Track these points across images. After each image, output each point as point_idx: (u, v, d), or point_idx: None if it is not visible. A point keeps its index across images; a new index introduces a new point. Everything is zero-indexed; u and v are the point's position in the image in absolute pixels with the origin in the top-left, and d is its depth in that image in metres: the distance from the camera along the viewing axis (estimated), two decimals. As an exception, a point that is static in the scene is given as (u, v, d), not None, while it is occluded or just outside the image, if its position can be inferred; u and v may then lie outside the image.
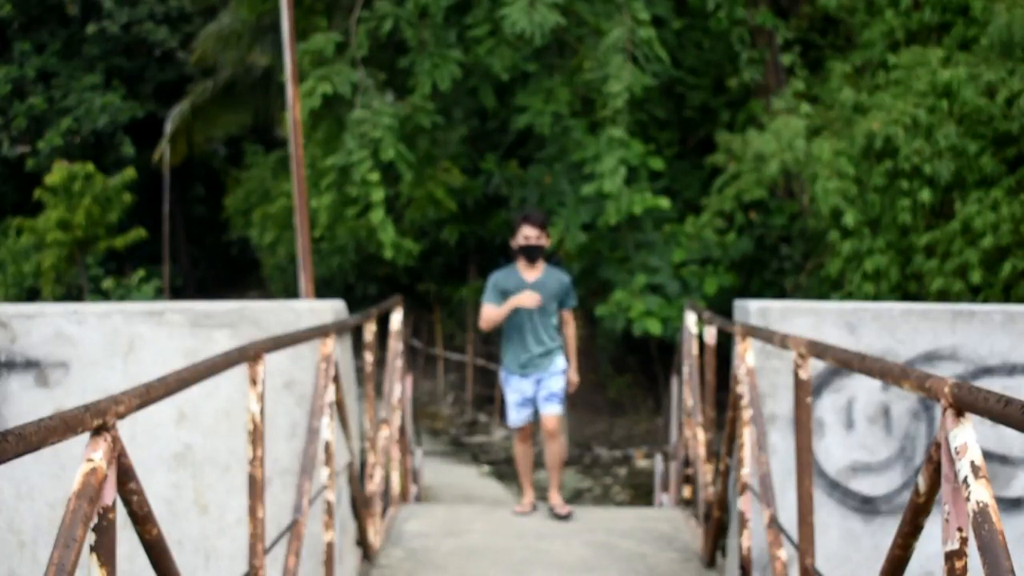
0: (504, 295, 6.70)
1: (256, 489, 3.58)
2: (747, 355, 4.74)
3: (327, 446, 4.74)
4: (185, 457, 5.02)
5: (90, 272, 20.17)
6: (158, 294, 20.53)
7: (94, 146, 23.13)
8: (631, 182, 12.97)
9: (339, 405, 5.08)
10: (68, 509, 2.01)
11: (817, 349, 3.46)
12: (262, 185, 20.80)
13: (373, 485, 6.09)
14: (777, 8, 14.27)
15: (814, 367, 4.73)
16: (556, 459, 6.81)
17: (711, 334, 6.25)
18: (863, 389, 5.02)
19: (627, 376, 16.69)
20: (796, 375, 3.73)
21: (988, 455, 4.83)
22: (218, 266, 27.17)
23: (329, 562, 4.81)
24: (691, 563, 5.83)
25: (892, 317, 5.07)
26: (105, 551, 2.23)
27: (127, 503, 2.40)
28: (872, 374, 2.85)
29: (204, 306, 5.14)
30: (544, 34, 11.98)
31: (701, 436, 6.42)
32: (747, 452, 4.73)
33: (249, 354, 3.48)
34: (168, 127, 20.47)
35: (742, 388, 4.72)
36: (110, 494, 2.23)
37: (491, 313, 6.72)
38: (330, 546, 4.81)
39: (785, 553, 4.21)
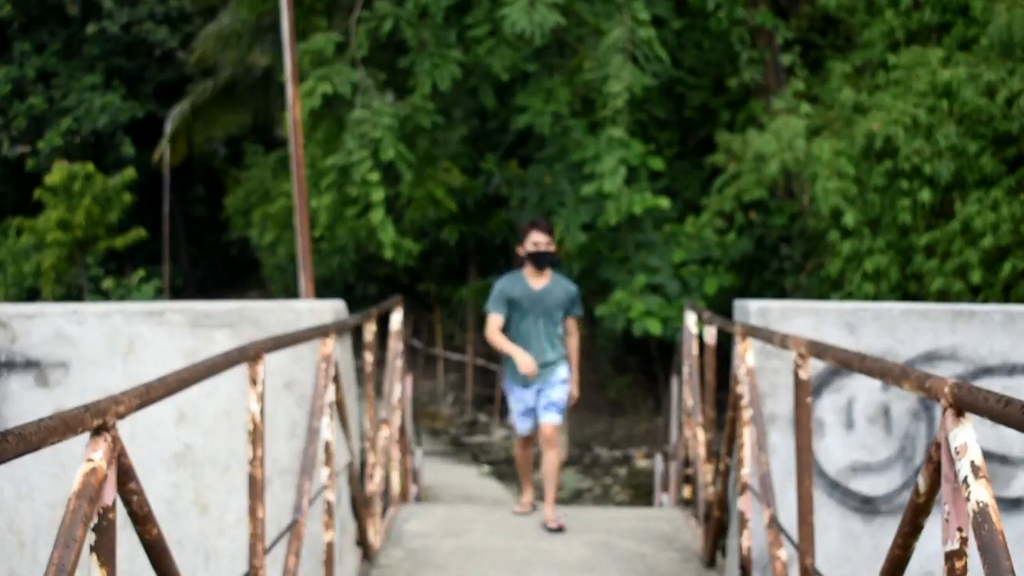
0: (510, 304, 6.54)
1: (256, 489, 3.58)
2: (747, 355, 4.74)
3: (327, 446, 4.74)
4: (185, 457, 5.02)
5: (90, 272, 20.18)
6: (158, 294, 20.53)
7: (94, 146, 23.14)
8: (631, 182, 12.97)
9: (339, 405, 5.08)
10: (68, 509, 2.01)
11: (817, 349, 3.46)
12: (262, 185, 20.81)
13: (373, 485, 6.09)
14: (777, 8, 14.27)
15: (814, 367, 4.73)
16: (553, 470, 6.63)
17: (711, 334, 6.25)
18: (863, 389, 5.02)
19: (627, 376, 16.70)
20: (796, 375, 3.73)
21: (988, 455, 4.83)
22: (218, 266, 27.17)
23: (329, 562, 4.80)
24: (691, 563, 5.83)
25: (892, 317, 5.07)
26: (105, 551, 2.23)
27: (127, 503, 2.40)
28: (872, 374, 2.85)
29: (204, 306, 5.13)
30: (544, 34, 11.99)
31: (701, 436, 6.42)
32: (747, 452, 4.73)
33: (249, 354, 3.48)
34: (168, 127, 20.47)
35: (742, 388, 4.72)
36: (110, 494, 2.23)
37: (495, 338, 6.61)
38: (330, 546, 4.81)
39: (785, 553, 4.21)
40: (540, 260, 6.55)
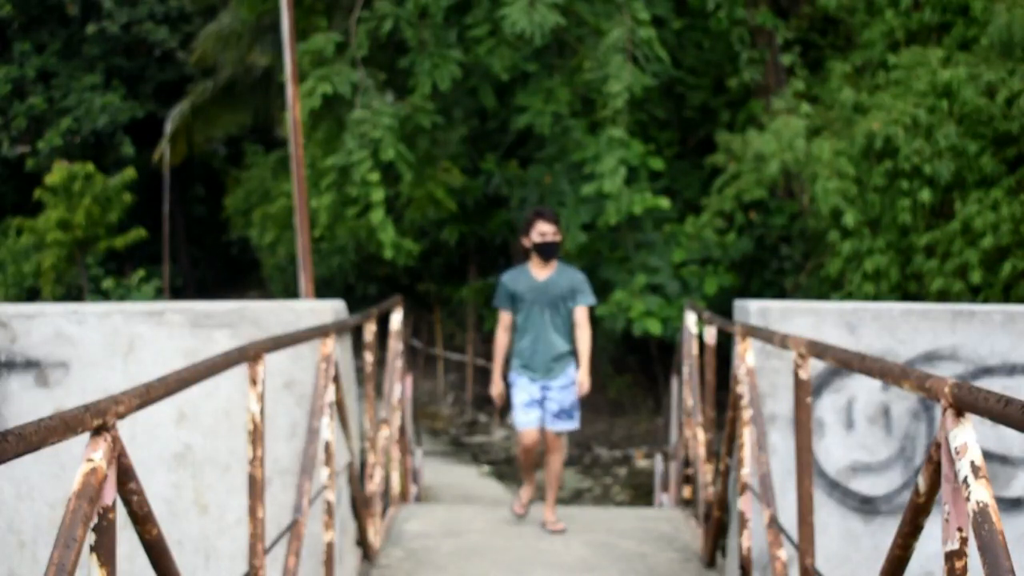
0: (515, 298, 6.41)
1: (256, 489, 3.58)
2: (747, 355, 4.74)
3: (327, 446, 4.74)
4: (185, 457, 5.02)
5: (90, 272, 20.18)
6: (158, 294, 20.53)
7: (94, 146, 23.14)
8: (631, 182, 12.97)
9: (339, 405, 5.08)
10: (68, 509, 2.01)
11: (817, 349, 3.46)
12: (262, 185, 20.80)
13: (373, 485, 6.09)
14: (777, 8, 14.27)
15: (814, 367, 4.73)
16: (555, 473, 6.54)
17: (711, 334, 6.25)
18: (863, 389, 5.02)
19: (627, 376, 16.70)
20: (796, 375, 3.73)
21: (988, 455, 4.83)
22: (218, 266, 27.17)
23: (329, 562, 4.81)
24: (691, 563, 5.83)
25: (892, 317, 5.07)
26: (105, 551, 2.23)
27: (127, 503, 2.40)
28: (872, 374, 2.85)
29: (204, 306, 5.13)
30: (544, 34, 11.99)
31: (701, 436, 6.42)
32: (747, 452, 4.73)
33: (249, 354, 3.48)
34: (168, 127, 20.47)
35: (742, 388, 4.72)
36: (110, 494, 2.23)
37: (496, 340, 6.57)
38: (330, 546, 4.81)
39: (785, 553, 4.21)
40: (547, 251, 6.35)
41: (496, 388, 6.66)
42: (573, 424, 6.48)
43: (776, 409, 5.00)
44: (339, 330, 5.02)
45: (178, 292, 24.21)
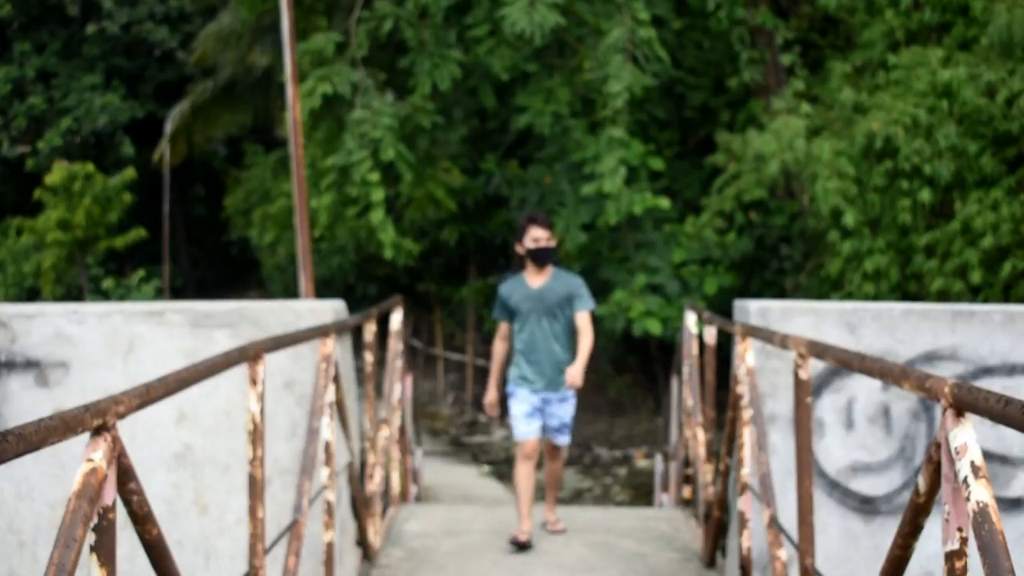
0: (511, 309, 6.19)
1: (256, 489, 3.58)
2: (747, 355, 4.74)
3: (327, 446, 4.74)
4: (185, 457, 5.02)
5: (90, 272, 20.18)
6: (158, 294, 20.53)
7: (94, 146, 23.14)
8: (631, 182, 12.97)
9: (339, 405, 5.08)
10: (68, 509, 2.01)
11: (817, 349, 3.46)
12: (262, 185, 20.81)
13: (373, 485, 6.09)
14: (777, 8, 14.27)
15: (814, 367, 4.73)
16: (555, 477, 6.48)
17: (711, 334, 6.25)
18: (863, 389, 5.02)
19: (627, 376, 16.70)
20: (796, 375, 3.73)
21: (988, 455, 4.83)
22: (218, 266, 27.17)
23: (329, 562, 4.81)
24: (691, 563, 5.83)
25: (892, 317, 5.07)
26: (105, 551, 2.23)
27: (127, 503, 2.40)
28: (872, 374, 2.85)
29: (204, 306, 5.13)
30: (544, 34, 11.99)
31: (701, 436, 6.42)
32: (747, 452, 4.73)
33: (249, 354, 3.48)
34: (168, 127, 20.48)
35: (742, 388, 4.72)
36: (110, 494, 2.23)
37: (494, 352, 6.41)
38: (330, 546, 4.81)
39: (785, 553, 4.21)
40: (540, 257, 6.12)
41: (490, 396, 6.39)
42: (567, 439, 6.33)
43: (776, 409, 5.00)
44: (339, 330, 5.02)
45: (178, 292, 24.22)
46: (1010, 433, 4.81)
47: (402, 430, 7.61)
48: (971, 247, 10.57)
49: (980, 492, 2.05)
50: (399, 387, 7.22)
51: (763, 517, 4.31)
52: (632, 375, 16.75)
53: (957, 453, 2.15)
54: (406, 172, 13.05)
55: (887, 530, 4.90)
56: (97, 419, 2.15)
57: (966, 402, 2.16)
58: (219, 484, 5.01)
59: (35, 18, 23.63)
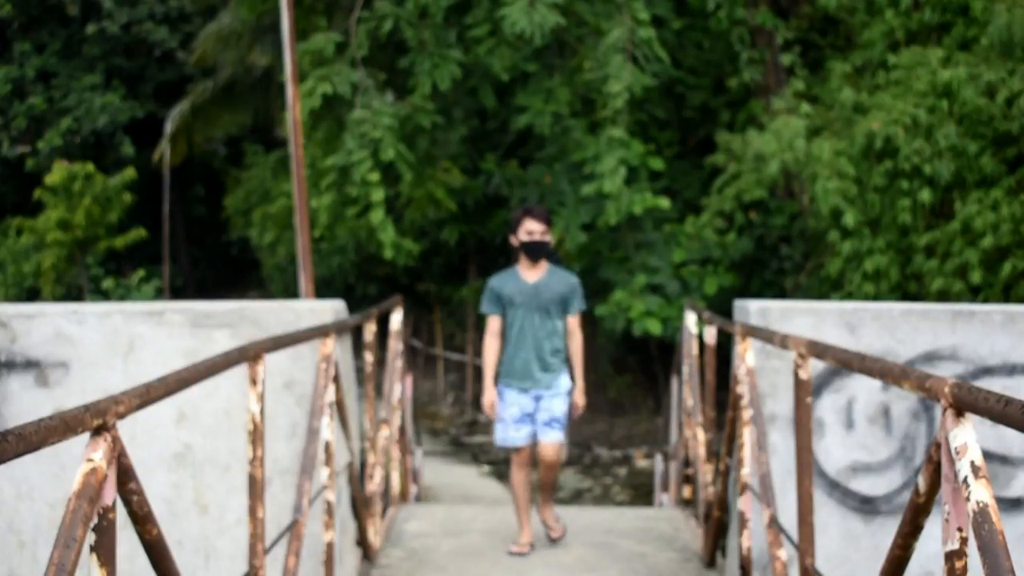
0: (503, 302, 5.96)
1: (256, 489, 3.58)
2: (747, 355, 4.74)
3: (327, 446, 4.74)
4: (185, 457, 5.02)
5: (90, 272, 20.18)
6: (158, 294, 20.53)
7: (94, 146, 23.14)
8: (631, 182, 12.97)
9: (339, 405, 5.08)
10: (68, 509, 2.01)
11: (817, 349, 3.46)
12: (262, 185, 20.81)
13: (373, 485, 6.09)
14: (777, 8, 14.28)
15: (814, 367, 4.73)
16: (549, 481, 6.04)
17: (711, 334, 6.25)
18: (863, 389, 5.02)
19: (627, 376, 16.70)
20: (796, 375, 3.73)
21: (988, 455, 4.83)
22: (218, 266, 27.17)
23: (329, 562, 4.81)
24: (691, 563, 5.83)
25: (892, 317, 5.07)
26: (105, 551, 2.23)
27: (127, 503, 2.40)
28: (872, 374, 2.85)
29: (204, 306, 5.13)
30: (544, 34, 11.99)
31: (701, 436, 6.42)
32: (747, 452, 4.73)
33: (249, 354, 3.48)
34: (168, 127, 20.48)
35: (742, 388, 4.72)
36: (110, 494, 2.23)
37: (485, 348, 6.02)
38: (330, 546, 4.81)
39: (785, 553, 4.21)
40: (534, 250, 5.94)
41: (488, 397, 5.99)
42: (560, 435, 5.96)
43: (776, 409, 5.00)
44: (339, 330, 5.02)
45: (178, 292, 24.22)
46: (1010, 433, 4.82)
47: (402, 430, 7.61)
48: (971, 247, 10.57)
49: (980, 492, 2.05)
50: (399, 387, 7.22)
51: (763, 517, 4.31)
52: (632, 375, 16.75)
53: (957, 453, 2.15)
54: (406, 172, 13.05)
55: (887, 530, 4.90)
56: (97, 419, 2.15)
57: (966, 402, 2.17)
58: (219, 484, 5.01)
59: (35, 18, 23.63)
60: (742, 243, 13.33)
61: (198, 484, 5.01)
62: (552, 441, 5.91)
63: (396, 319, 7.09)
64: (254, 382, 3.56)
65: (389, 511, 6.90)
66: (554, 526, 6.18)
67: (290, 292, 19.46)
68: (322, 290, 17.28)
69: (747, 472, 4.75)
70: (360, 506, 5.51)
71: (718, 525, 5.48)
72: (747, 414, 4.64)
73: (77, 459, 2.18)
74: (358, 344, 7.45)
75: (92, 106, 22.53)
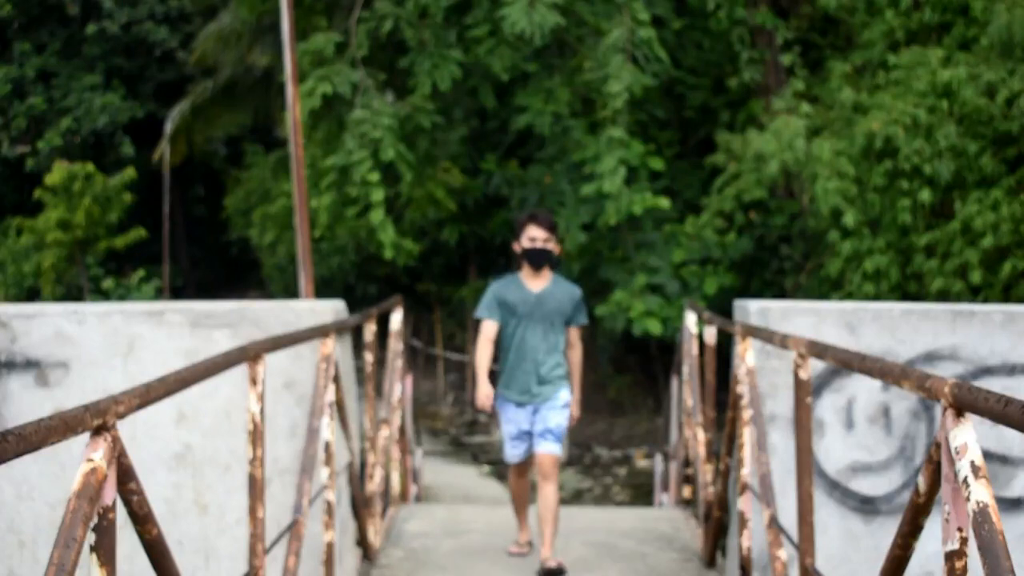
0: (505, 309, 5.67)
1: (256, 489, 3.58)
2: (747, 355, 4.74)
3: (327, 446, 4.74)
4: (185, 457, 5.02)
5: (90, 272, 20.18)
6: (158, 294, 20.53)
7: (94, 146, 23.14)
8: (631, 182, 12.97)
9: (339, 405, 5.08)
10: (68, 509, 2.01)
11: (817, 349, 3.46)
12: (262, 185, 20.81)
13: (373, 485, 6.09)
14: (777, 8, 14.28)
15: (814, 367, 4.73)
16: (550, 508, 5.64)
17: (711, 334, 6.25)
18: (863, 389, 5.02)
19: (627, 376, 16.70)
20: (796, 375, 3.73)
21: (988, 455, 4.83)
22: (218, 266, 27.16)
23: (329, 562, 4.80)
24: (691, 563, 5.83)
25: (892, 317, 5.07)
26: (105, 551, 2.23)
27: (127, 503, 2.40)
28: (872, 374, 2.85)
29: (204, 306, 5.14)
30: (544, 34, 11.99)
31: (701, 436, 6.42)
32: (747, 452, 4.73)
33: (249, 354, 3.48)
34: (168, 127, 20.48)
35: (742, 388, 4.72)
36: (110, 494, 2.23)
37: (480, 352, 5.69)
38: (330, 546, 4.81)
39: (785, 553, 4.21)
40: (537, 258, 5.66)
41: (482, 391, 5.64)
42: (558, 447, 5.70)
43: (776, 409, 5.00)
44: (339, 330, 5.02)
45: (178, 292, 24.21)
46: (1010, 433, 4.81)
47: (402, 430, 7.61)
48: (971, 247, 10.57)
49: (980, 492, 2.05)
50: (399, 387, 7.22)
51: (763, 517, 4.31)
52: (632, 375, 16.75)
53: (957, 453, 2.15)
54: (406, 172, 13.05)
55: (887, 530, 4.90)
56: (97, 419, 2.15)
57: (966, 402, 2.17)
58: (219, 484, 5.01)
59: (35, 18, 23.63)
60: (742, 243, 13.33)
61: (198, 484, 5.01)
62: (549, 452, 5.65)
63: (396, 319, 7.09)
64: (254, 382, 3.56)
65: (389, 511, 6.90)
66: (552, 558, 5.63)
67: (290, 292, 19.46)
68: (322, 290, 17.28)
69: (747, 472, 4.75)
70: (360, 506, 5.51)
71: (718, 525, 5.48)
72: (747, 414, 4.64)
73: (77, 459, 2.18)
74: (358, 344, 7.45)
75: (92, 106, 22.53)
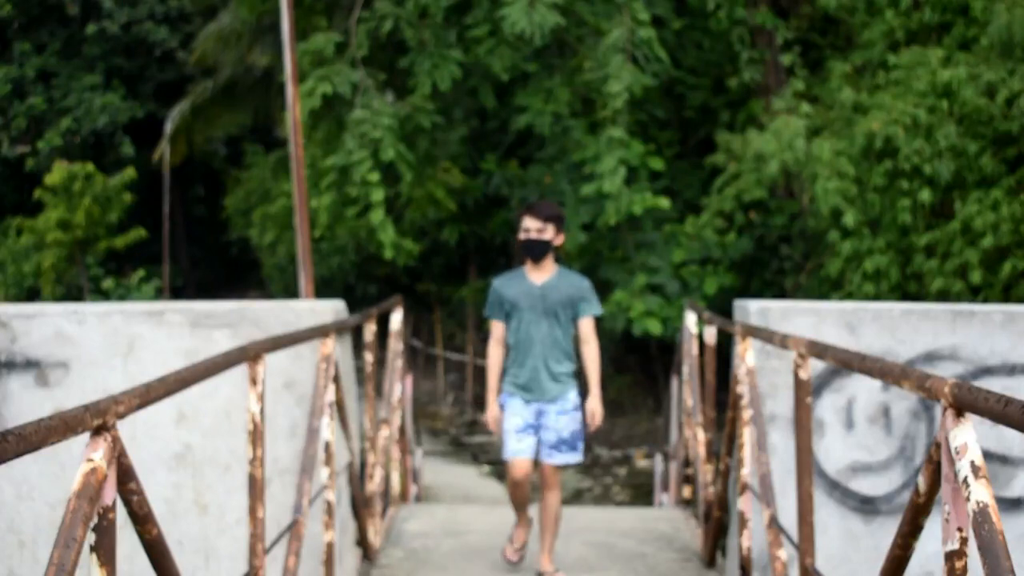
0: (507, 305, 5.52)
1: (256, 489, 3.58)
2: (747, 355, 4.74)
3: (327, 446, 4.74)
4: (185, 457, 5.02)
5: (90, 272, 20.17)
6: (158, 294, 20.53)
7: (94, 146, 23.14)
8: (631, 182, 12.97)
9: (339, 405, 5.08)
10: (68, 509, 2.01)
11: (817, 349, 3.46)
12: (262, 185, 20.80)
13: (373, 485, 6.09)
14: (777, 8, 14.28)
15: (814, 367, 4.73)
16: (552, 516, 5.51)
17: (711, 334, 6.25)
18: (863, 389, 5.02)
19: (627, 376, 16.70)
20: (796, 375, 3.73)
21: (988, 455, 4.83)
22: (218, 266, 27.16)
23: (329, 562, 4.80)
24: (691, 563, 5.83)
25: (892, 317, 5.07)
26: (105, 551, 2.23)
27: (127, 503, 2.40)
28: (872, 374, 2.85)
29: (204, 306, 5.14)
30: (544, 34, 11.99)
31: (701, 436, 6.42)
32: (747, 452, 4.73)
33: (249, 354, 3.48)
34: (168, 127, 20.48)
35: (742, 388, 4.72)
36: (110, 494, 2.23)
37: (489, 356, 5.64)
38: (330, 546, 4.81)
39: (785, 553, 4.21)
40: (531, 249, 5.45)
41: (491, 411, 5.56)
42: (576, 457, 5.47)
43: (776, 409, 5.00)
44: (339, 330, 5.02)
45: (178, 292, 24.21)
46: (1010, 433, 4.81)
47: (402, 430, 7.61)
48: (971, 247, 10.57)
49: (980, 492, 2.05)
50: (399, 387, 7.22)
51: (763, 517, 4.31)
52: (632, 375, 16.75)
53: (957, 453, 2.15)
54: (406, 172, 13.05)
55: (887, 530, 4.90)
56: (97, 419, 2.15)
57: (966, 402, 2.16)
58: (219, 484, 5.01)
59: (35, 18, 23.63)
60: (742, 243, 13.33)
61: (198, 484, 5.01)
62: (555, 463, 5.45)
63: (396, 319, 7.09)
64: (254, 382, 3.56)
65: (389, 511, 6.90)
66: (551, 571, 5.54)
67: (290, 292, 19.45)
68: (322, 290, 17.28)
69: (747, 472, 4.75)
70: (360, 506, 5.51)
71: (718, 525, 5.47)
72: (747, 414, 4.64)
73: (77, 459, 2.18)
74: (358, 344, 7.45)
75: (92, 106, 22.53)
